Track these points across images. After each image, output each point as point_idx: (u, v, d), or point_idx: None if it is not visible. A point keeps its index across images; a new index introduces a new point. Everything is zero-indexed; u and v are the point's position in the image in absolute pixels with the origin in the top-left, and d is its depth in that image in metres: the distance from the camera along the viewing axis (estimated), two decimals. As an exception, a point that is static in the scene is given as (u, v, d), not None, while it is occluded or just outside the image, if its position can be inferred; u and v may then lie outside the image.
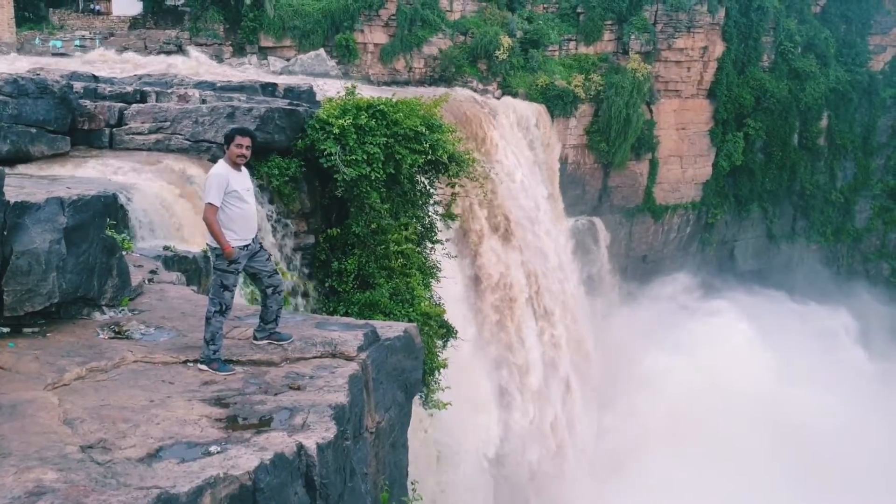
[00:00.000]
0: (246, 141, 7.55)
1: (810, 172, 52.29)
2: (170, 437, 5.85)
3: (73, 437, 5.65)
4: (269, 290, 7.89)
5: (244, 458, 5.57)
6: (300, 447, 5.97)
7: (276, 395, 6.86)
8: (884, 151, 54.69)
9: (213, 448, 5.73)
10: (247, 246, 7.59)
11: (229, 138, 7.57)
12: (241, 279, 8.61)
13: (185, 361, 7.43)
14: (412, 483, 12.55)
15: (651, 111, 45.08)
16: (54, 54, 33.42)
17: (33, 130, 12.44)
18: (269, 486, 5.53)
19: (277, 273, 8.02)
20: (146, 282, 9.63)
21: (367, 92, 18.60)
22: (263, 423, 6.31)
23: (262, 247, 7.87)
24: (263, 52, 37.76)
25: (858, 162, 54.12)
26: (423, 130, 15.69)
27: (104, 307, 8.36)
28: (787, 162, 50.73)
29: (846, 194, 54.10)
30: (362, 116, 15.21)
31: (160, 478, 5.14)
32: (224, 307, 7.40)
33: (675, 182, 47.47)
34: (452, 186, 17.16)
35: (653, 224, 47.57)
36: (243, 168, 7.68)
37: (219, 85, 17.15)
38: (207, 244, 7.71)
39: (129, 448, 5.59)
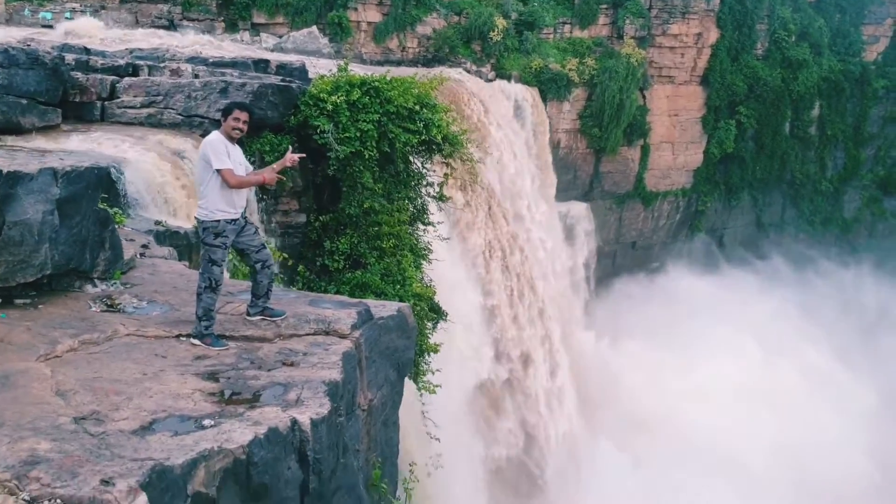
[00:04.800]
0: (244, 115, 7.48)
1: (801, 161, 52.42)
2: (163, 410, 5.83)
3: (66, 408, 5.62)
4: (259, 266, 7.83)
5: (238, 432, 5.56)
6: (294, 422, 5.96)
7: (269, 370, 6.84)
8: (874, 142, 54.89)
9: (206, 422, 5.71)
10: (234, 220, 7.53)
11: (227, 111, 7.50)
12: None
13: (178, 336, 7.39)
14: (410, 465, 12.52)
15: (644, 97, 44.95)
16: (43, 26, 32.94)
17: (24, 101, 12.27)
18: (263, 460, 5.53)
19: (266, 248, 7.95)
20: (138, 256, 9.57)
21: (359, 71, 18.45)
22: (257, 398, 6.29)
23: (248, 222, 7.81)
24: (256, 29, 37.33)
25: (849, 152, 54.31)
26: (418, 109, 15.58)
27: (96, 280, 8.31)
28: (777, 150, 50.79)
29: (836, 184, 54.32)
30: (355, 93, 15.09)
31: (154, 450, 5.12)
32: (214, 282, 7.35)
33: (666, 168, 47.46)
34: (448, 166, 17.07)
35: (643, 210, 47.60)
36: (236, 144, 7.63)
37: (211, 60, 16.97)
38: (196, 218, 7.65)
39: (122, 420, 5.57)
